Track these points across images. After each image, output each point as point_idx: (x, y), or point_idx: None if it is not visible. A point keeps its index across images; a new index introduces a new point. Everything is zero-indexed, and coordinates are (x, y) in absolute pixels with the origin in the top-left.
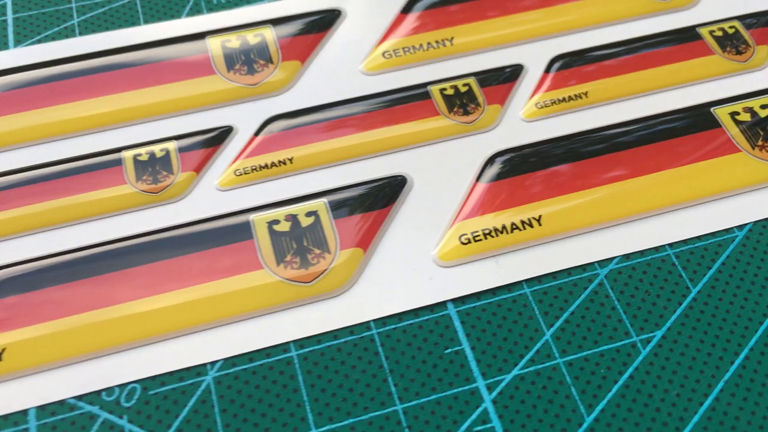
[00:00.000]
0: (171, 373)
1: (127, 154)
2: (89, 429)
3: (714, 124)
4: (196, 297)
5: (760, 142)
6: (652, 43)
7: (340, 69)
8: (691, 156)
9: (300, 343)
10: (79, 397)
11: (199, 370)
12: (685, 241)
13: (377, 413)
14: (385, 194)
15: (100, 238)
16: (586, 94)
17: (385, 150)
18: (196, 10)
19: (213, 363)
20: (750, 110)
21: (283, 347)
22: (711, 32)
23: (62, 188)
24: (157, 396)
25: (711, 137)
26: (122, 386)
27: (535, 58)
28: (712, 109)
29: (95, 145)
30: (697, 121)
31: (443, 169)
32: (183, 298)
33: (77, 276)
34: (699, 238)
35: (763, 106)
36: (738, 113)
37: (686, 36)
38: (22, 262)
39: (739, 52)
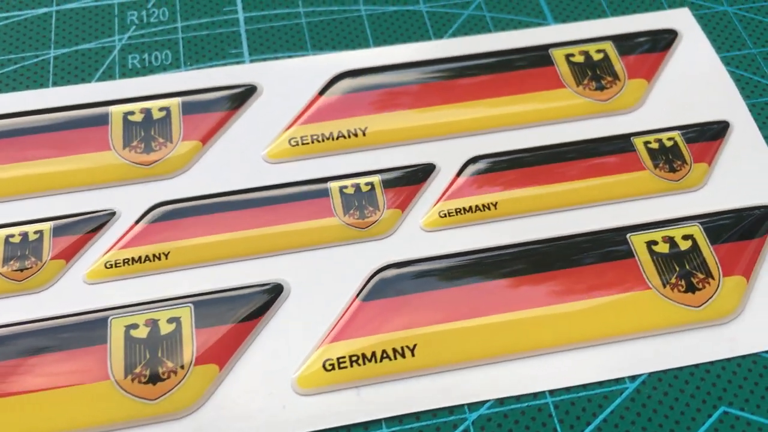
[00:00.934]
0: None
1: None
2: None
3: (628, 254)
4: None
5: (673, 280)
6: (580, 150)
7: (242, 153)
8: (594, 290)
9: None
10: None
11: None
12: (567, 389)
13: None
14: (256, 303)
15: None
16: (495, 205)
17: (271, 251)
18: (108, 75)
19: None
20: (670, 240)
21: None
22: (646, 143)
23: None
24: None
25: (621, 269)
26: None
27: (452, 156)
28: (628, 236)
29: None
30: (609, 248)
31: (326, 278)
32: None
33: None
34: (584, 386)
35: (685, 237)
36: (656, 243)
37: (619, 146)
38: None
39: (672, 170)
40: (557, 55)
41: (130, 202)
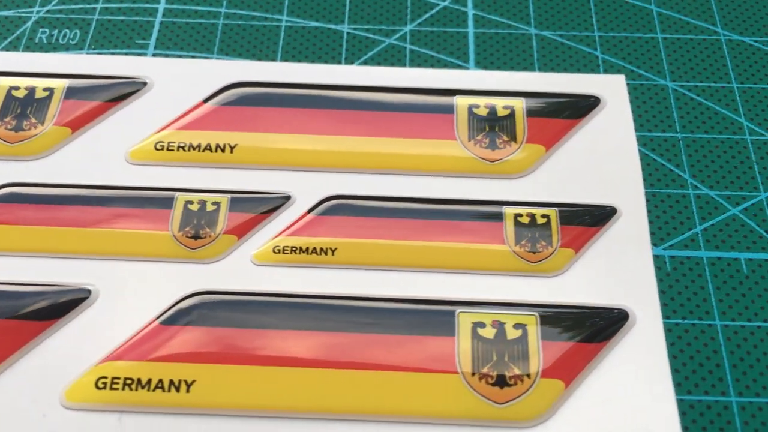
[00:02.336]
0: None
1: None
2: None
3: (449, 331)
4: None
5: (485, 370)
6: (446, 211)
7: (108, 148)
8: (401, 362)
9: None
10: None
11: None
12: None
13: None
14: (57, 304)
15: None
16: (334, 251)
17: (87, 253)
18: (13, 45)
19: None
20: (499, 326)
21: None
22: (517, 216)
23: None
24: None
25: (438, 346)
26: None
27: (312, 190)
28: (457, 311)
29: None
30: (434, 320)
31: (136, 294)
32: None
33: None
34: None
35: (517, 326)
36: (483, 325)
37: (488, 213)
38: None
39: (533, 250)
40: (461, 103)
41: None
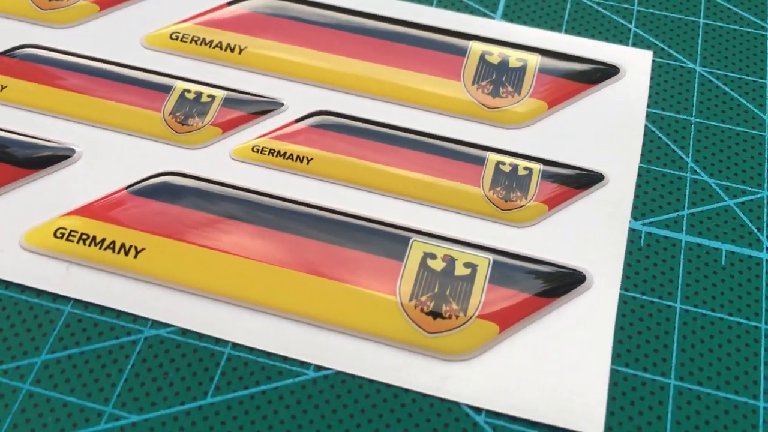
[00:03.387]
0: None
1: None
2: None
3: (399, 256)
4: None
5: (423, 298)
6: (431, 146)
7: (128, 30)
8: (347, 275)
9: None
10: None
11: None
12: (250, 349)
13: None
14: (41, 156)
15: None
16: (309, 160)
17: (90, 120)
18: None
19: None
20: (449, 260)
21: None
22: (499, 164)
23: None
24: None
25: (384, 268)
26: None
27: (305, 102)
28: (412, 240)
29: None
30: (388, 243)
31: (121, 161)
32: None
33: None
34: (269, 354)
35: (467, 264)
36: (434, 257)
37: (471, 156)
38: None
39: (506, 198)
40: (475, 48)
41: (7, 35)
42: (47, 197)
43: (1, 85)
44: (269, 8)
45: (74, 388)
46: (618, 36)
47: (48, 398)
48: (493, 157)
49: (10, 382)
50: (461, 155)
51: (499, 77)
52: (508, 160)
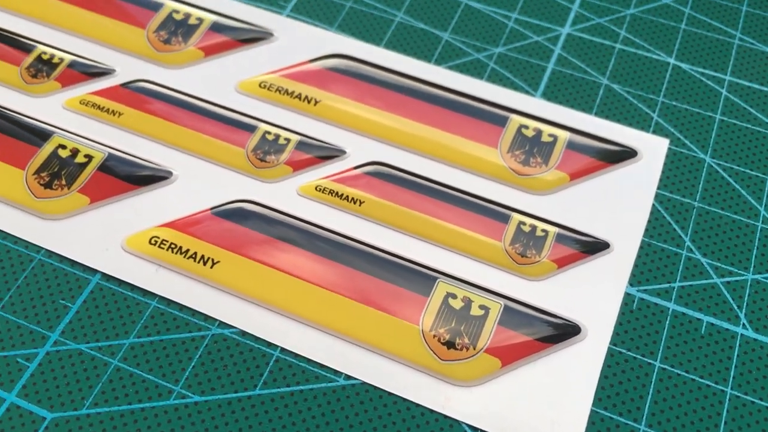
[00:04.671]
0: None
1: None
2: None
3: (425, 293)
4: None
5: (441, 330)
6: (464, 201)
7: (225, 76)
8: (380, 302)
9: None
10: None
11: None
12: (295, 355)
13: None
14: (147, 176)
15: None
16: (362, 203)
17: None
18: None
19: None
20: (467, 302)
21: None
22: (521, 224)
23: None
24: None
25: (412, 301)
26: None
27: (364, 152)
28: (438, 280)
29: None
30: (417, 280)
31: (208, 187)
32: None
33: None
34: (309, 360)
35: (482, 306)
36: (455, 297)
37: (496, 214)
38: None
39: (523, 255)
40: (514, 121)
41: (130, 69)
42: (147, 209)
43: (119, 112)
44: (343, 67)
45: (152, 368)
46: (641, 123)
47: (131, 374)
48: (516, 217)
49: (103, 357)
50: (489, 212)
51: (531, 148)
52: (529, 221)
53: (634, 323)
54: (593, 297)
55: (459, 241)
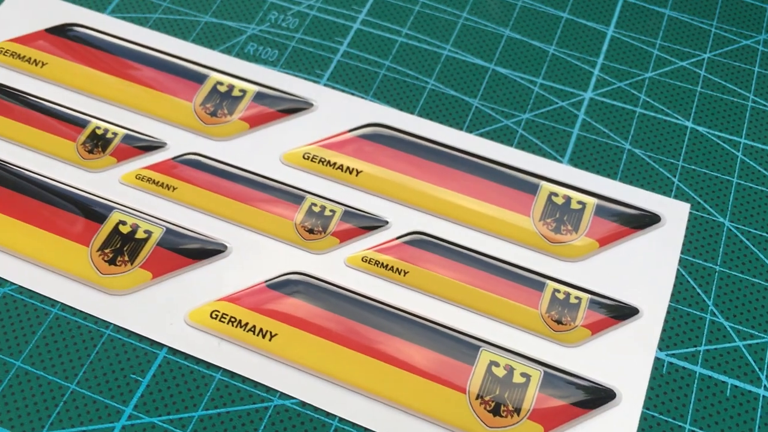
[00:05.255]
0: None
1: None
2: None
3: (469, 361)
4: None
5: (487, 398)
6: (501, 269)
7: (271, 146)
8: (427, 371)
9: (64, 307)
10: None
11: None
12: (354, 425)
13: None
14: (203, 249)
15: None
16: (406, 273)
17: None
18: (227, 50)
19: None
20: (509, 370)
21: (53, 302)
22: (555, 291)
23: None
24: None
25: (457, 369)
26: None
27: (406, 222)
28: (481, 349)
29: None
30: (461, 349)
31: (260, 258)
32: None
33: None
34: (366, 429)
35: (524, 374)
36: (497, 365)
37: (533, 282)
38: None
39: (558, 321)
40: (544, 188)
41: (179, 142)
42: (205, 283)
43: (173, 186)
44: (382, 137)
45: None
46: (663, 187)
47: None
48: (551, 285)
49: (175, 430)
50: (525, 280)
51: (562, 216)
52: (563, 288)
53: (664, 387)
54: (625, 362)
55: (498, 309)
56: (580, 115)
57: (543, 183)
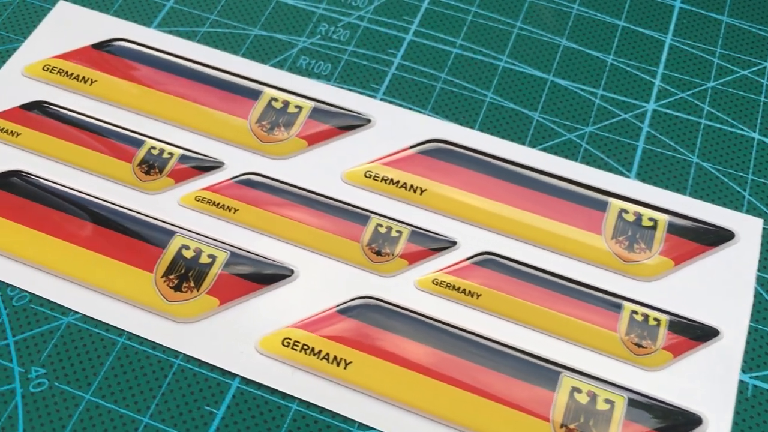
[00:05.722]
0: None
1: None
2: None
3: (551, 387)
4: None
5: (572, 426)
6: (576, 291)
7: (331, 165)
8: (506, 398)
9: (131, 336)
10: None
11: None
12: None
13: None
14: (270, 274)
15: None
16: (479, 296)
17: (294, 241)
18: (279, 64)
19: None
20: (592, 396)
21: (119, 332)
22: (633, 313)
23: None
24: None
25: (537, 397)
26: None
27: (475, 242)
28: (562, 374)
29: None
30: (541, 375)
31: (328, 282)
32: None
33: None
34: None
35: (607, 401)
36: (580, 391)
37: (610, 303)
38: None
39: (639, 345)
40: (614, 205)
41: (237, 161)
42: (274, 309)
43: (234, 208)
44: (444, 153)
45: None
46: (734, 201)
47: None
48: (628, 306)
49: None
50: (601, 301)
51: (634, 234)
52: (640, 309)
53: (750, 411)
54: (709, 386)
55: (576, 333)
56: (644, 127)
57: (612, 200)
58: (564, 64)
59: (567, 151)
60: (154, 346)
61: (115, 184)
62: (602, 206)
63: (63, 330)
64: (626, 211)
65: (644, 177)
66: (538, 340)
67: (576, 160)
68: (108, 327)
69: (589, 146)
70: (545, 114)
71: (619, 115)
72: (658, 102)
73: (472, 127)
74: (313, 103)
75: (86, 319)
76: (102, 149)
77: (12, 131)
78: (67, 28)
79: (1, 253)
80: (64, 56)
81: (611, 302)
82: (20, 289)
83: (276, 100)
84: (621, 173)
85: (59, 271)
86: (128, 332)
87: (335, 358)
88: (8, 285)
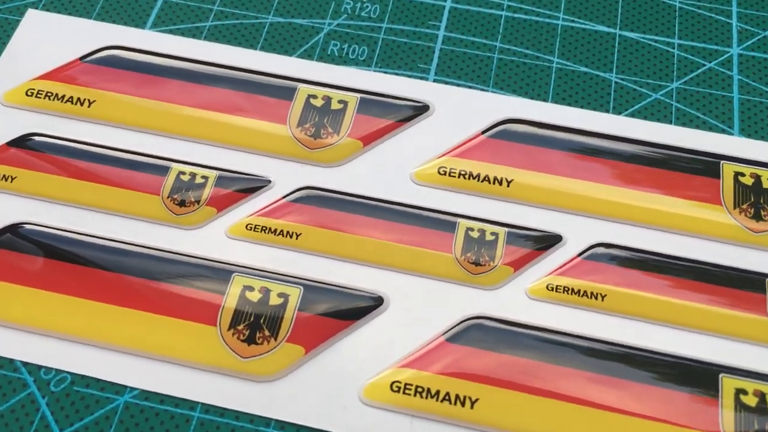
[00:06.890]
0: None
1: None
2: None
3: (712, 393)
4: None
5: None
6: (709, 274)
7: (395, 165)
8: (658, 415)
9: (206, 407)
10: None
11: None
12: None
13: None
14: (356, 305)
15: None
16: (603, 297)
17: (382, 263)
18: (308, 54)
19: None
20: (760, 395)
21: (191, 404)
22: None
23: None
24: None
25: (698, 405)
26: None
27: (582, 234)
28: (721, 376)
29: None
30: (695, 379)
31: (424, 307)
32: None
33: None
34: None
35: None
36: (746, 392)
37: (751, 284)
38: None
39: None
40: (727, 169)
41: (284, 175)
42: (371, 347)
43: (296, 233)
44: (522, 136)
45: None
46: None
47: None
48: None
49: None
50: (743, 282)
51: (757, 198)
52: None
53: None
54: None
55: (720, 324)
56: (734, 75)
57: (724, 163)
58: (630, 14)
59: (658, 113)
60: (237, 415)
61: (144, 223)
62: (715, 173)
63: (121, 413)
64: (742, 174)
65: (750, 132)
66: (679, 338)
67: (670, 122)
68: (176, 401)
69: (680, 104)
70: (623, 74)
71: (704, 65)
72: (741, 45)
73: (545, 100)
74: (358, 95)
75: (147, 394)
76: (120, 183)
77: (5, 176)
78: (45, 42)
79: (21, 328)
80: (49, 75)
81: (751, 281)
82: (56, 369)
83: (314, 96)
84: (723, 131)
85: (100, 340)
86: (202, 403)
87: (458, 396)
88: (41, 367)
